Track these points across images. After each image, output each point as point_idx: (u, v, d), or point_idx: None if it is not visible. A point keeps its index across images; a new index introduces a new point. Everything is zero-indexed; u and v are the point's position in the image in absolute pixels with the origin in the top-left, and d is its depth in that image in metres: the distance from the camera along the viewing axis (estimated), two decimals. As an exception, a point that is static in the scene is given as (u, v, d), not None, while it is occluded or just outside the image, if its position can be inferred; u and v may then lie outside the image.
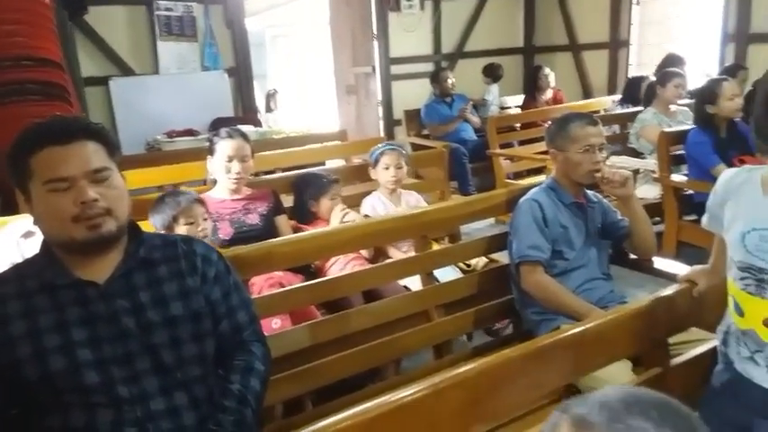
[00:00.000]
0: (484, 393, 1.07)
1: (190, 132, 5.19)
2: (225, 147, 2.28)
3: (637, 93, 4.53)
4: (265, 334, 1.39)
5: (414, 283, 2.19)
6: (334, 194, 2.49)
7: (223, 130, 2.35)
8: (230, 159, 2.28)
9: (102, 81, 5.16)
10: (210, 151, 2.33)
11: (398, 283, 2.22)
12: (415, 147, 5.08)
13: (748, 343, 1.06)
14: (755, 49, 4.65)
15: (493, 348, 1.97)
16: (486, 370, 1.08)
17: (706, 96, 3.03)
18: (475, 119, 5.22)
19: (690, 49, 5.21)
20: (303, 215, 2.53)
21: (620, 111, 4.59)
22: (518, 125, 5.08)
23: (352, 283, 1.96)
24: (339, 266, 2.27)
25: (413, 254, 2.12)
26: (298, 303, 1.87)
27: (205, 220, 2.00)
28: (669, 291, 1.31)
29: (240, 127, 2.66)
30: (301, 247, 1.83)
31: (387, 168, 2.61)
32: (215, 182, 2.39)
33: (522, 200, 2.01)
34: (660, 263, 1.96)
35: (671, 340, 1.42)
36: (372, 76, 5.81)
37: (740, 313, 1.06)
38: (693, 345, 1.42)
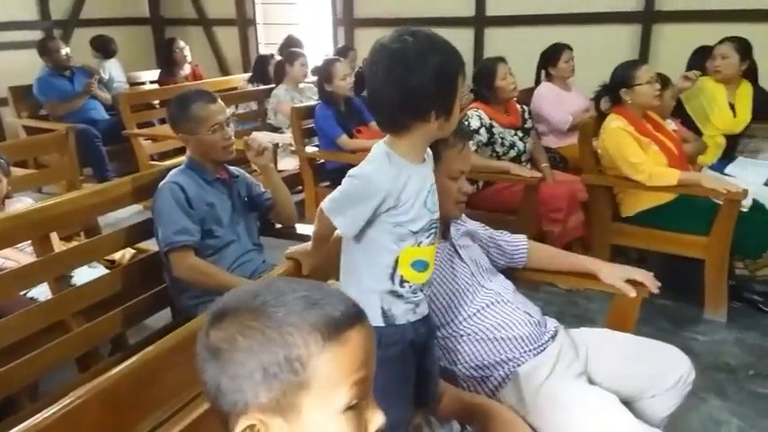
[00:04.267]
0: (129, 399, 0.97)
1: None
2: None
3: (265, 71, 4.77)
4: None
5: (43, 292, 1.86)
6: None
7: None
8: None
9: None
10: None
11: (21, 295, 1.86)
12: (31, 130, 4.28)
13: (424, 289, 1.19)
14: (360, 33, 5.45)
15: (150, 344, 1.84)
16: (129, 373, 0.98)
17: (323, 75, 3.39)
18: (104, 95, 4.70)
19: (309, 31, 5.76)
20: None
21: (251, 88, 4.75)
22: (157, 102, 4.78)
23: (-52, 309, 1.53)
24: (-74, 291, 1.75)
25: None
26: None
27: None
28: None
29: None
30: None
31: None
32: None
33: (161, 184, 1.91)
34: (302, 228, 2.13)
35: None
36: (-47, 44, 4.59)
37: (424, 268, 1.16)
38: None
